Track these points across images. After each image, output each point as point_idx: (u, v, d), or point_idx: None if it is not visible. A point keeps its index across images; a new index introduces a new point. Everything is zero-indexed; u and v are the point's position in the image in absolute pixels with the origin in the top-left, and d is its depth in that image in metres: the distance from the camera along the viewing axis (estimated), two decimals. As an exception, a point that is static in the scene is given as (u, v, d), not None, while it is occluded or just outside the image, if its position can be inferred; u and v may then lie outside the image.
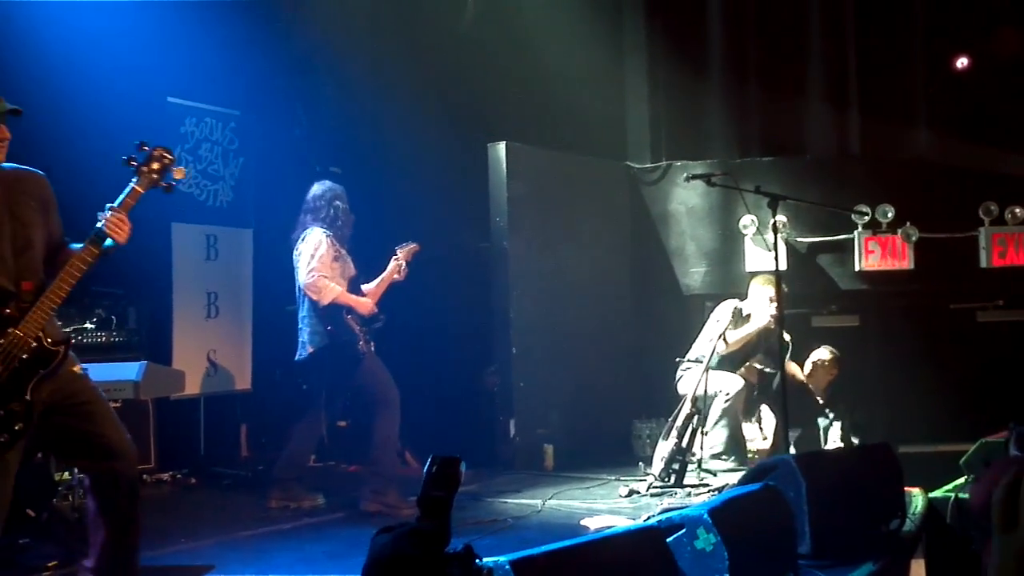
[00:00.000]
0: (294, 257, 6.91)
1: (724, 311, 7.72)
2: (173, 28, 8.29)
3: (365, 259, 7.21)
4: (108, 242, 4.05)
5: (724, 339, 7.63)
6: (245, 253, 8.92)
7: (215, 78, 8.73)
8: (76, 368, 4.12)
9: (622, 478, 7.49)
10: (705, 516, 4.02)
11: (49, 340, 3.98)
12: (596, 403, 8.69)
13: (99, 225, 4.03)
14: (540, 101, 9.19)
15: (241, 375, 8.80)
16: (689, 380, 7.58)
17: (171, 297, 8.22)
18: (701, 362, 7.48)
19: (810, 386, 8.07)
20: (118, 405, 5.78)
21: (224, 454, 8.55)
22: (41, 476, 5.75)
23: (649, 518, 5.88)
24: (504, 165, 8.43)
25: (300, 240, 6.87)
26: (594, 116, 9.55)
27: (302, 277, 6.75)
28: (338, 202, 6.95)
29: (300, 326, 6.92)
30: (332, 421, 7.51)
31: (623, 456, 8.29)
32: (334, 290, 6.71)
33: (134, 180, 4.14)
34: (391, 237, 7.55)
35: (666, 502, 6.64)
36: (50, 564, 5.46)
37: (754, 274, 8.29)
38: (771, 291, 7.64)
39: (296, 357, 6.98)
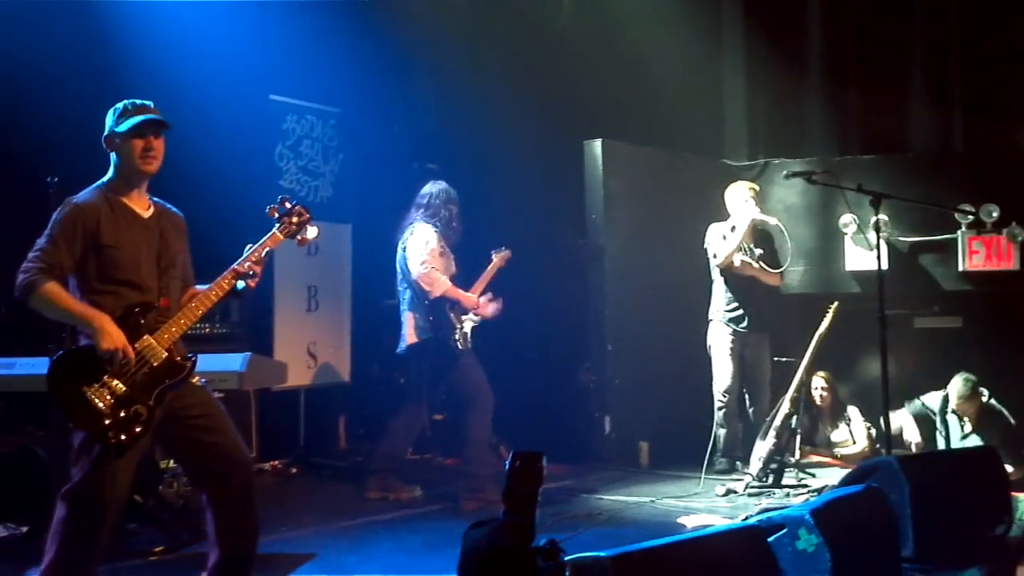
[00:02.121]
0: (399, 251, 7.00)
1: (711, 235, 7.98)
2: (275, 27, 8.45)
3: (464, 255, 7.29)
4: (240, 285, 4.29)
5: (714, 255, 7.91)
6: (344, 248, 9.06)
7: (316, 76, 8.88)
8: (195, 380, 4.28)
9: (719, 476, 7.45)
10: (807, 517, 4.00)
11: (179, 356, 4.17)
12: (692, 401, 8.61)
13: (239, 262, 4.29)
14: (637, 98, 9.15)
15: (340, 368, 8.93)
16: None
17: (273, 290, 8.38)
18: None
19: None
20: (222, 396, 5.90)
21: (323, 445, 8.71)
22: (147, 464, 5.90)
23: (747, 518, 5.86)
24: (600, 162, 8.43)
25: (408, 234, 6.97)
26: (691, 113, 9.48)
27: (414, 268, 6.85)
28: (452, 206, 7.07)
29: (402, 319, 7.02)
30: (429, 415, 7.58)
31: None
32: (445, 283, 6.82)
33: (276, 227, 4.42)
34: (487, 234, 7.61)
35: (764, 502, 6.59)
36: (156, 549, 5.64)
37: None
38: (744, 192, 7.89)
39: (397, 349, 7.08)
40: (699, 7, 9.44)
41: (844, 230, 8.63)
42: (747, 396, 7.97)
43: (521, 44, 9.28)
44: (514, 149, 9.00)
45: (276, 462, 8.15)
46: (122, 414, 3.99)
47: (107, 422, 3.96)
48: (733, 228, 7.84)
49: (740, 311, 7.89)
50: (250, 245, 4.34)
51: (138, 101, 4.30)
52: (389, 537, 6.05)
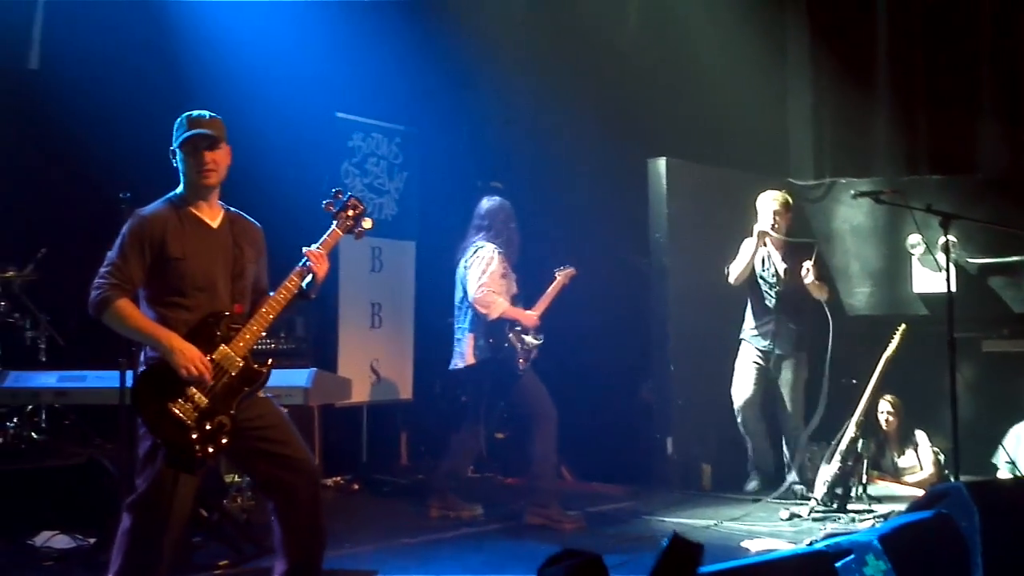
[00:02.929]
0: (460, 270, 7.01)
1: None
2: (341, 46, 8.54)
3: (526, 274, 7.29)
4: (307, 282, 4.32)
5: (727, 272, 7.78)
6: (408, 265, 9.12)
7: (382, 94, 8.97)
8: (261, 391, 4.31)
9: (782, 500, 7.37)
10: (875, 542, 3.92)
11: (255, 363, 4.21)
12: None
13: (304, 261, 4.32)
14: (701, 116, 9.11)
15: (402, 384, 8.97)
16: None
17: (337, 307, 8.44)
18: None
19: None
20: (286, 410, 5.96)
21: (385, 461, 8.74)
22: (213, 478, 5.97)
23: (812, 542, 5.79)
24: (664, 180, 8.40)
25: (471, 254, 6.97)
26: (756, 132, 9.43)
27: (471, 291, 6.85)
28: (512, 223, 7.08)
29: (458, 336, 7.04)
30: (490, 433, 7.59)
31: (782, 479, 8.13)
32: (502, 305, 6.80)
33: (334, 223, 4.45)
34: (550, 253, 7.61)
35: (829, 527, 6.51)
36: (220, 563, 5.68)
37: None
38: (772, 204, 7.77)
39: (450, 366, 7.09)
40: (765, 25, 9.40)
41: (912, 251, 8.51)
42: (779, 417, 7.91)
43: (586, 62, 9.27)
44: (578, 167, 9.01)
45: (338, 478, 8.20)
46: (207, 427, 4.04)
47: (194, 436, 4.01)
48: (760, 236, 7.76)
49: (765, 329, 7.81)
50: (306, 248, 4.37)
51: (194, 113, 4.35)
52: (451, 555, 6.05)
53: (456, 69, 9.29)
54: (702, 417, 8.35)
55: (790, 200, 7.88)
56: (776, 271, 7.75)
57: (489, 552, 6.11)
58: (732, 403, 7.87)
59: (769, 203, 7.78)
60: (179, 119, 4.34)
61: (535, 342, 6.97)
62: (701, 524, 6.77)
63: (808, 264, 7.60)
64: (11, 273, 7.49)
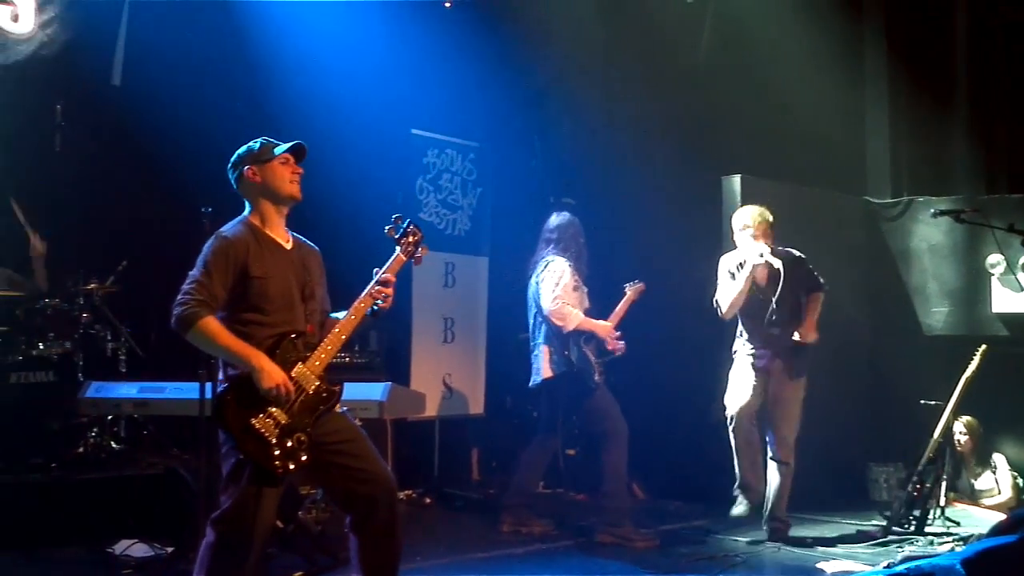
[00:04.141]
0: (531, 285, 7.02)
1: (720, 271, 6.99)
2: (418, 64, 8.63)
3: (597, 290, 7.27)
4: (373, 307, 4.35)
5: (717, 304, 6.91)
6: (481, 280, 9.16)
7: (456, 111, 9.04)
8: (337, 406, 4.34)
9: (858, 522, 7.27)
10: (958, 567, 3.87)
11: (328, 382, 4.25)
12: (829, 443, 8.43)
13: (373, 284, 4.35)
14: (776, 133, 9.04)
15: (474, 399, 9.00)
16: None
17: (410, 321, 8.50)
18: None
19: None
20: (360, 424, 6.01)
21: (456, 476, 8.77)
22: (288, 489, 6.01)
23: (890, 565, 5.70)
24: (739, 198, 8.31)
25: (542, 268, 6.98)
26: (832, 149, 9.35)
27: (546, 304, 6.84)
28: (579, 238, 7.08)
29: (535, 352, 7.03)
30: (562, 449, 7.56)
31: (857, 499, 8.04)
32: (578, 316, 6.80)
33: (398, 249, 4.48)
34: (623, 269, 7.59)
35: (907, 549, 6.40)
36: (295, 574, 5.73)
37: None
38: (744, 218, 6.89)
39: (530, 383, 7.09)
40: (842, 40, 9.31)
41: (992, 271, 8.37)
42: (768, 434, 7.01)
43: (659, 78, 9.26)
44: (651, 184, 8.98)
45: (410, 491, 8.22)
46: (288, 443, 4.08)
47: (276, 452, 4.05)
48: (741, 265, 6.89)
49: (760, 349, 6.94)
50: (377, 269, 4.41)
51: (269, 139, 4.44)
52: (524, 571, 6.06)
53: (529, 86, 9.35)
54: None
55: (770, 216, 6.95)
56: (773, 292, 6.77)
57: (560, 568, 6.10)
58: (725, 412, 6.99)
59: (751, 226, 6.86)
60: (252, 145, 4.41)
61: (617, 345, 6.93)
62: (775, 544, 6.68)
63: (811, 332, 6.92)
64: (93, 285, 7.65)
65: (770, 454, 6.97)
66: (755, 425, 6.96)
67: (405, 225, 4.51)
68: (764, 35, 9.13)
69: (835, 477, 8.37)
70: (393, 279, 4.38)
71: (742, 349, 7.02)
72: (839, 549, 6.57)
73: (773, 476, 6.90)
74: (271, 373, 4.06)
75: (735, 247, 7.02)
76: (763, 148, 9.00)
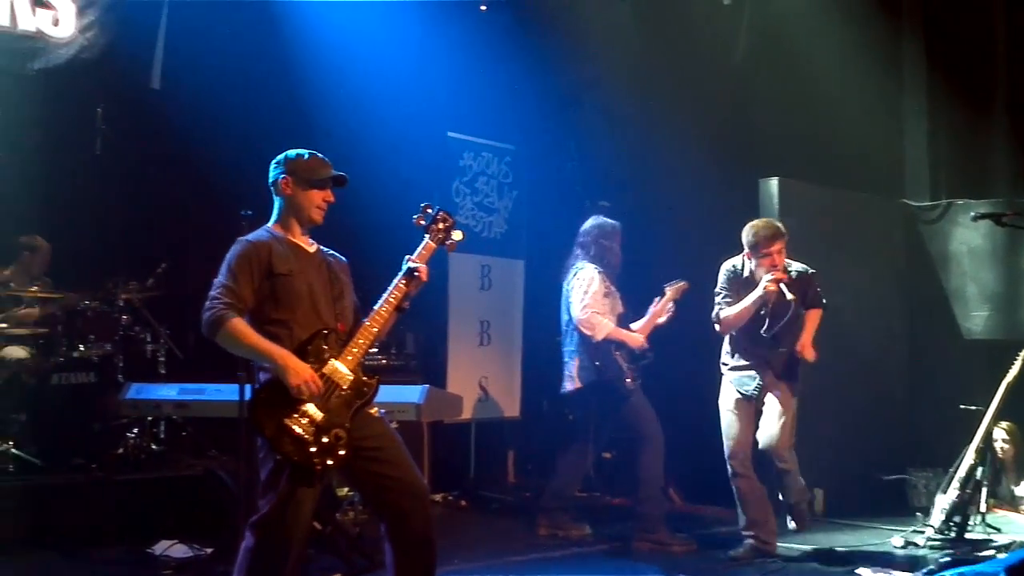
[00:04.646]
0: (564, 290, 7.00)
1: (720, 281, 6.54)
2: (453, 67, 8.65)
3: (634, 293, 7.23)
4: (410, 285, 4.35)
5: (717, 319, 6.46)
6: (517, 283, 9.17)
7: (492, 114, 9.06)
8: (373, 411, 4.35)
9: (897, 528, 7.22)
10: (1002, 574, 3.83)
11: (364, 376, 4.26)
12: (867, 448, 8.39)
13: (406, 268, 4.35)
14: (814, 136, 8.98)
15: (510, 402, 9.01)
16: None
17: (447, 324, 8.51)
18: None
19: None
20: (396, 427, 6.02)
21: (492, 479, 8.78)
22: (326, 492, 6.03)
23: (929, 572, 5.67)
24: (776, 201, 8.28)
25: (572, 275, 6.95)
26: (870, 152, 9.28)
27: (575, 312, 6.82)
28: (603, 240, 6.99)
29: (566, 359, 7.01)
30: (597, 453, 7.55)
31: (896, 505, 7.98)
32: (607, 326, 6.76)
33: (427, 236, 4.48)
34: (659, 271, 7.55)
35: (948, 556, 6.34)
36: (334, 576, 5.75)
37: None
38: (771, 243, 6.28)
39: (561, 390, 7.07)
40: (881, 42, 9.24)
41: (1032, 274, 8.29)
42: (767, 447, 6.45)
43: (696, 81, 9.22)
44: (688, 186, 8.94)
45: (446, 494, 8.24)
46: (324, 440, 4.09)
47: (312, 449, 4.06)
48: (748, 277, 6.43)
49: (754, 361, 6.47)
50: (409, 256, 4.41)
51: (318, 154, 4.45)
52: (561, 574, 6.07)
53: (565, 89, 9.35)
54: (815, 440, 8.19)
55: (782, 228, 6.43)
56: (780, 314, 6.34)
57: (597, 572, 6.11)
58: (731, 453, 6.47)
59: (764, 243, 6.31)
60: (301, 153, 4.42)
61: (643, 362, 6.91)
62: (814, 550, 6.64)
63: (809, 349, 6.41)
64: (133, 287, 7.72)
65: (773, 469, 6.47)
66: (751, 458, 6.45)
67: (435, 212, 4.51)
68: (801, 37, 9.07)
69: (874, 482, 8.31)
70: (424, 267, 4.36)
71: (729, 374, 6.53)
72: (879, 555, 6.51)
73: (786, 480, 6.46)
74: (297, 370, 4.08)
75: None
76: (801, 150, 8.94)
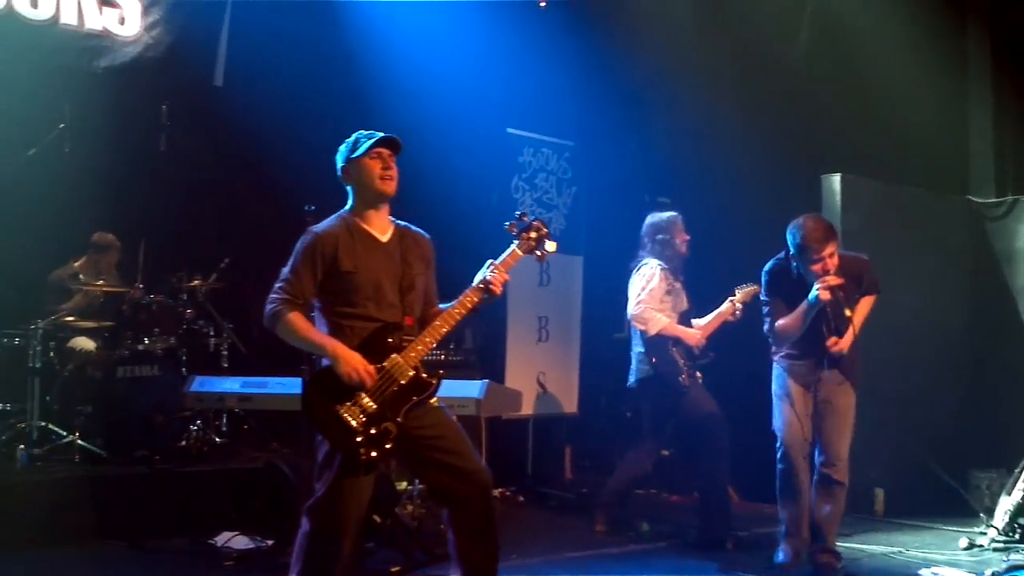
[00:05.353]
0: (629, 287, 6.98)
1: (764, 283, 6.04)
2: (513, 63, 8.66)
3: (697, 290, 7.19)
4: (486, 294, 4.34)
5: (771, 332, 5.97)
6: (575, 279, 9.17)
7: (551, 110, 9.06)
8: (434, 400, 4.37)
9: (960, 529, 7.13)
10: (1070, 577, 3.77)
11: (424, 373, 4.28)
12: (929, 448, 8.28)
13: (483, 275, 4.34)
14: (877, 132, 8.88)
15: (568, 398, 9.01)
16: None
17: (505, 320, 8.53)
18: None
19: None
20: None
21: (549, 475, 8.78)
22: (385, 485, 6.08)
23: (994, 574, 5.60)
24: (839, 197, 8.19)
25: (635, 271, 6.94)
26: (935, 148, 9.15)
27: (630, 307, 6.81)
28: (659, 235, 6.92)
29: (631, 355, 7.00)
30: (660, 450, 7.51)
31: (958, 505, 7.86)
32: (660, 321, 6.72)
33: (515, 243, 4.46)
34: (719, 268, 7.50)
35: (1012, 558, 6.25)
36: (393, 569, 5.76)
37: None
38: (823, 245, 5.62)
39: (628, 383, 7.06)
40: (944, 37, 9.11)
41: (1100, 273, 8.13)
42: (818, 451, 6.03)
43: (757, 76, 9.15)
44: (748, 182, 8.87)
45: (503, 490, 8.25)
46: (373, 431, 4.14)
47: (359, 439, 4.11)
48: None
49: (809, 352, 5.94)
50: (490, 261, 4.40)
51: (370, 131, 4.46)
52: (620, 570, 6.06)
53: (624, 85, 9.32)
54: (875, 439, 8.10)
55: (833, 227, 5.81)
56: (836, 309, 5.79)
57: (655, 568, 6.08)
58: (781, 442, 6.01)
59: (815, 247, 5.64)
60: (348, 140, 4.46)
61: (703, 360, 6.87)
62: (875, 551, 6.58)
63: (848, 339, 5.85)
64: (197, 282, 7.83)
65: (818, 476, 5.98)
66: (806, 458, 5.98)
67: (530, 220, 4.51)
68: (864, 30, 8.98)
69: (936, 482, 8.20)
70: (500, 281, 4.34)
71: (784, 360, 6.06)
72: (941, 556, 6.43)
73: (823, 499, 5.94)
74: (347, 358, 4.13)
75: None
76: (864, 147, 8.85)
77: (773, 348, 6.09)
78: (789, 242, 5.79)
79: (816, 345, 5.84)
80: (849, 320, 5.72)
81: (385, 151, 4.37)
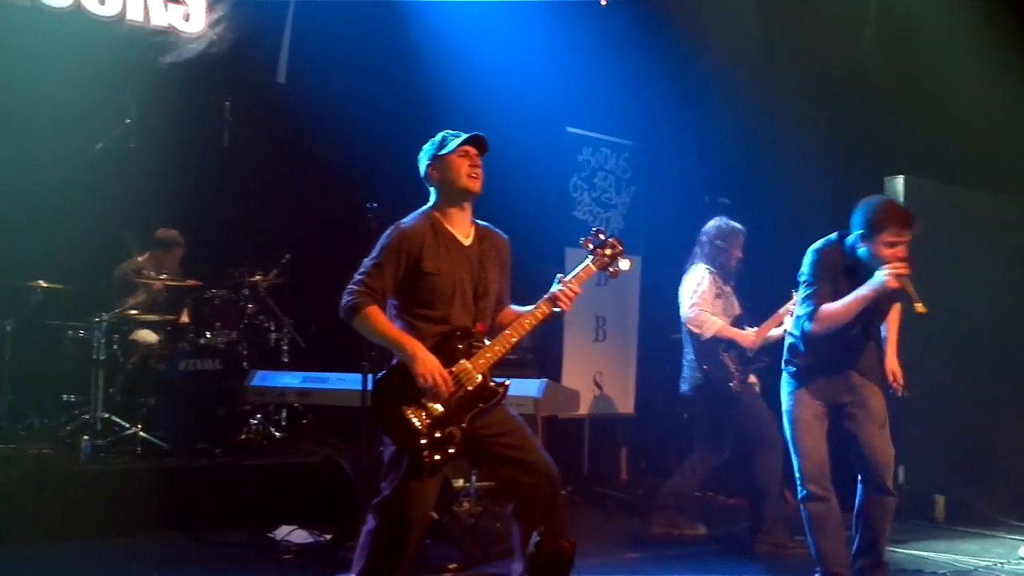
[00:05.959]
0: (680, 290, 6.96)
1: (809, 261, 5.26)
2: (573, 62, 8.65)
3: (753, 293, 7.13)
4: (555, 308, 4.37)
5: (811, 316, 5.12)
6: (633, 280, 9.12)
7: (611, 110, 9.04)
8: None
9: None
10: None
11: (492, 381, 4.29)
12: (992, 454, 8.16)
13: (554, 290, 4.36)
14: (940, 132, 8.75)
15: (624, 399, 8.98)
16: None
17: (563, 319, 8.52)
18: None
19: None
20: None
21: (605, 475, 8.76)
22: (443, 483, 6.10)
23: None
24: (902, 199, 8.10)
25: (685, 274, 6.92)
26: (999, 149, 9.00)
27: (683, 310, 6.81)
28: (719, 241, 6.92)
29: (684, 361, 6.98)
30: (722, 455, 7.46)
31: (1021, 513, 7.74)
32: (715, 323, 6.70)
33: (589, 259, 4.49)
34: (779, 271, 7.44)
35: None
36: (450, 566, 5.79)
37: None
38: (901, 234, 4.97)
39: (681, 390, 7.04)
40: (1008, 39, 8.95)
41: None
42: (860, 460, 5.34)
43: (819, 77, 9.08)
44: (809, 184, 8.80)
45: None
46: (437, 434, 4.14)
47: (423, 441, 4.12)
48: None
49: (833, 374, 5.27)
50: (560, 275, 4.39)
51: (456, 132, 4.44)
52: (677, 572, 6.04)
53: (685, 85, 9.27)
54: (936, 445, 8.01)
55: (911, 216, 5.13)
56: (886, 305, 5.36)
57: (714, 571, 6.06)
58: (803, 475, 5.29)
59: (893, 228, 4.97)
60: (434, 139, 4.45)
61: (757, 364, 6.81)
62: (936, 558, 6.49)
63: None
64: (258, 277, 7.91)
65: (866, 488, 5.34)
66: (830, 482, 5.31)
67: (606, 237, 4.51)
68: (929, 29, 8.86)
69: (997, 489, 8.08)
70: (577, 289, 4.37)
71: (804, 376, 5.30)
72: (1005, 564, 6.34)
73: (874, 512, 5.33)
74: (425, 361, 4.12)
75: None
76: (929, 149, 8.73)
77: (789, 359, 5.38)
78: (860, 219, 5.04)
79: (852, 351, 5.23)
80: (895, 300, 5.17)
81: (472, 149, 4.37)
